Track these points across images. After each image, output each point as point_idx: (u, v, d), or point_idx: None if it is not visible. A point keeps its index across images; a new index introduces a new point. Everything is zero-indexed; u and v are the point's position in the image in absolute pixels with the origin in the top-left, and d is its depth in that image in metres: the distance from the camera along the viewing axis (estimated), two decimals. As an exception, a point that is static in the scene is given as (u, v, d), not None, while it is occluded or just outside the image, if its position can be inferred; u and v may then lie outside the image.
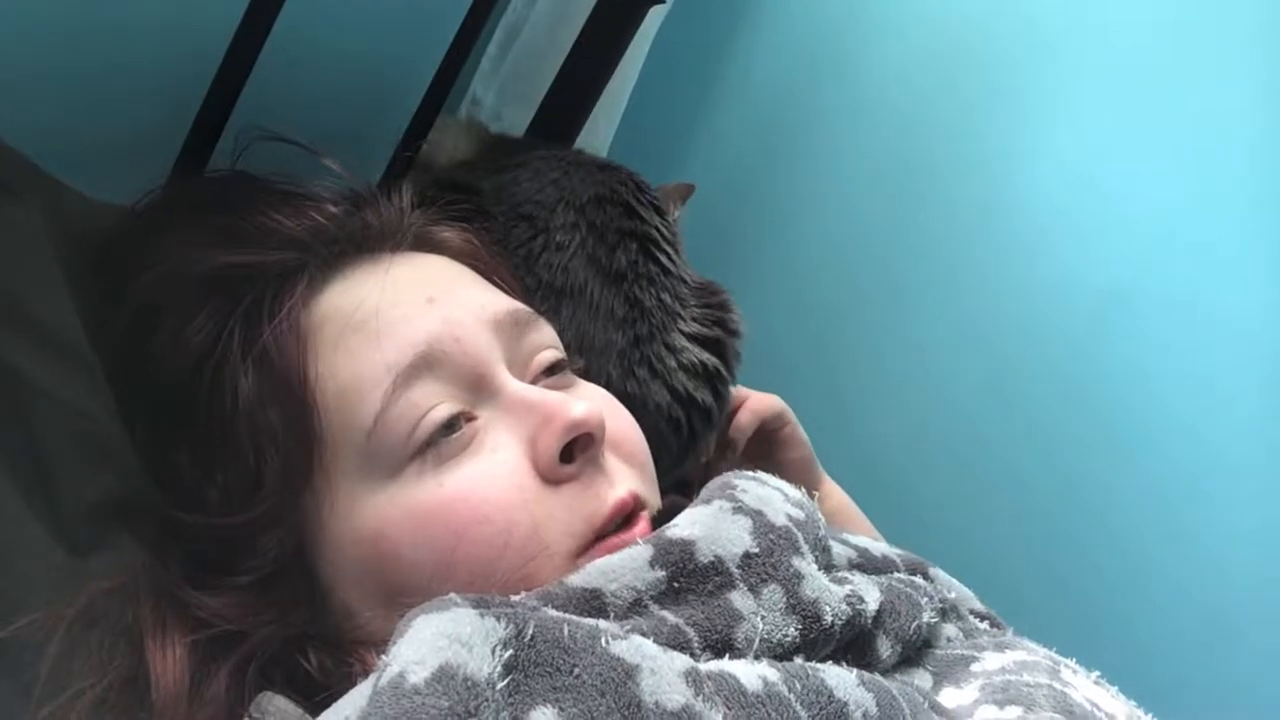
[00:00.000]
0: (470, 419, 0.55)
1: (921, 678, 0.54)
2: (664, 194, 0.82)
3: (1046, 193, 1.08)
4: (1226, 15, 0.99)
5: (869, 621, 0.52)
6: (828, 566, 0.54)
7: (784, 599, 0.49)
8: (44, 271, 0.61)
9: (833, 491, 0.87)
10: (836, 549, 0.58)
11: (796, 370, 1.15)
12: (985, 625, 0.63)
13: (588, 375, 0.67)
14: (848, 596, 0.51)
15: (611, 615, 0.47)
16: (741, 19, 1.25)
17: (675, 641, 0.46)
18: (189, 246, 0.61)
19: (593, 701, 0.39)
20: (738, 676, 0.43)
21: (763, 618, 0.48)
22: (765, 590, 0.49)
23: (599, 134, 1.03)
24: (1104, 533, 1.05)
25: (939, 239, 1.14)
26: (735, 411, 0.82)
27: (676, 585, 0.48)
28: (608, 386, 0.67)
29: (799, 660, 0.47)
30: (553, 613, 0.44)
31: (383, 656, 0.40)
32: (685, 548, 0.49)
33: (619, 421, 0.61)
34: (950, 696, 0.51)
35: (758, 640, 0.47)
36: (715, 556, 0.49)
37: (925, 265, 1.15)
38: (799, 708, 0.43)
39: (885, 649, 0.53)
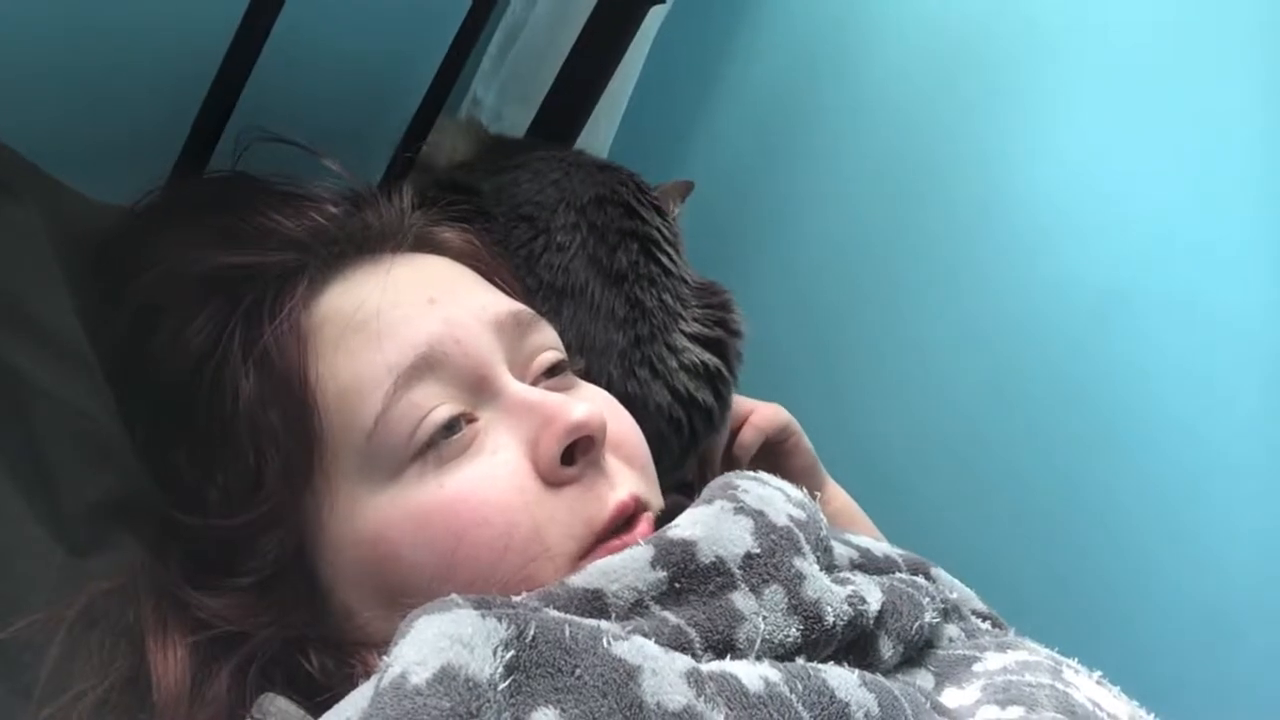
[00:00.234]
0: (471, 420, 0.55)
1: (923, 678, 0.54)
2: (664, 192, 0.82)
3: (1046, 193, 1.08)
4: (1226, 15, 0.99)
5: (871, 622, 0.52)
6: (829, 567, 0.55)
7: (786, 599, 0.49)
8: (44, 271, 0.61)
9: (836, 494, 0.87)
10: (838, 549, 0.58)
11: (796, 370, 1.15)
12: (987, 625, 0.63)
13: (588, 376, 0.67)
14: (849, 597, 0.51)
15: (613, 616, 0.47)
16: (741, 19, 1.25)
17: (677, 642, 0.46)
18: (189, 247, 0.61)
19: (594, 702, 0.39)
20: (739, 677, 0.43)
21: (764, 618, 0.48)
22: (767, 591, 0.49)
23: (599, 134, 1.03)
24: (1104, 533, 1.05)
25: (939, 239, 1.14)
26: (740, 427, 0.81)
27: (678, 586, 0.48)
28: (608, 387, 0.67)
29: (801, 661, 0.47)
30: (554, 613, 0.44)
31: (384, 657, 0.40)
32: (687, 548, 0.49)
33: (620, 423, 0.61)
34: (952, 696, 0.51)
35: (759, 641, 0.47)
36: (717, 557, 0.49)
37: (925, 265, 1.15)
38: (801, 708, 0.42)
39: (887, 649, 0.53)
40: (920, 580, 0.59)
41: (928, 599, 0.56)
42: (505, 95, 1.00)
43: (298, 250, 0.60)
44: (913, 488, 1.13)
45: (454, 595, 0.43)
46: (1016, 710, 0.48)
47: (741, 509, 0.52)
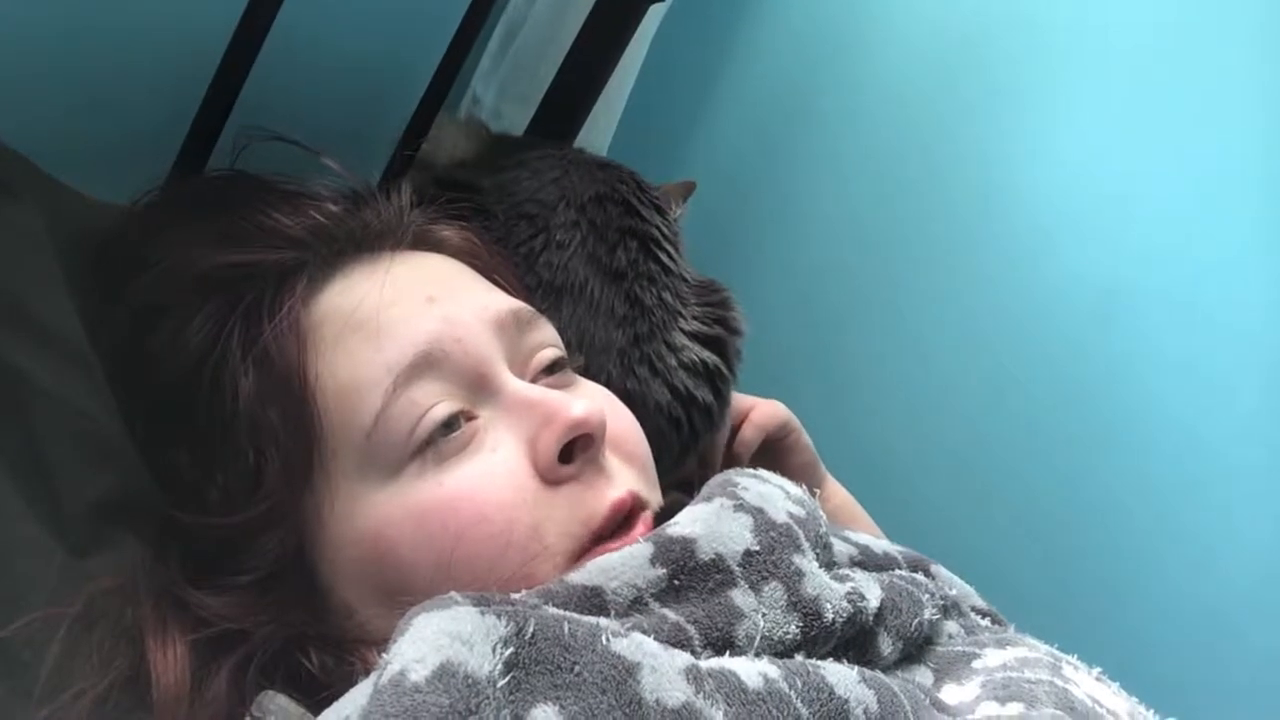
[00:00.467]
0: (470, 418, 0.55)
1: (923, 674, 0.54)
2: (665, 193, 0.82)
3: (1046, 193, 1.08)
4: (1226, 15, 0.99)
5: (870, 619, 0.52)
6: (829, 564, 0.55)
7: (785, 596, 0.49)
8: (44, 271, 0.61)
9: (836, 491, 0.87)
10: (838, 546, 0.58)
11: (796, 369, 1.15)
12: (986, 622, 0.63)
13: (588, 374, 0.67)
14: (849, 594, 0.51)
15: (612, 613, 0.47)
16: (741, 18, 1.25)
17: (676, 639, 0.46)
18: (188, 246, 0.61)
19: (594, 699, 0.39)
20: (738, 674, 0.43)
21: (764, 615, 0.48)
22: (766, 587, 0.49)
23: (599, 133, 1.03)
24: (1104, 531, 1.05)
25: (939, 238, 1.14)
26: (740, 425, 0.81)
27: (677, 583, 0.48)
28: (608, 385, 0.67)
29: (800, 657, 0.47)
30: (553, 610, 0.44)
31: (383, 655, 0.40)
32: (686, 545, 0.49)
33: (619, 420, 0.61)
34: (952, 693, 0.51)
35: (759, 637, 0.47)
36: (716, 554, 0.49)
37: (925, 264, 1.15)
38: (800, 705, 0.42)
39: (886, 646, 0.53)
40: (920, 577, 0.59)
41: (927, 596, 0.56)
42: (505, 93, 1.00)
43: (297, 249, 0.60)
44: (913, 486, 1.13)
45: (453, 593, 0.43)
46: (1016, 706, 0.48)
47: (741, 506, 0.52)
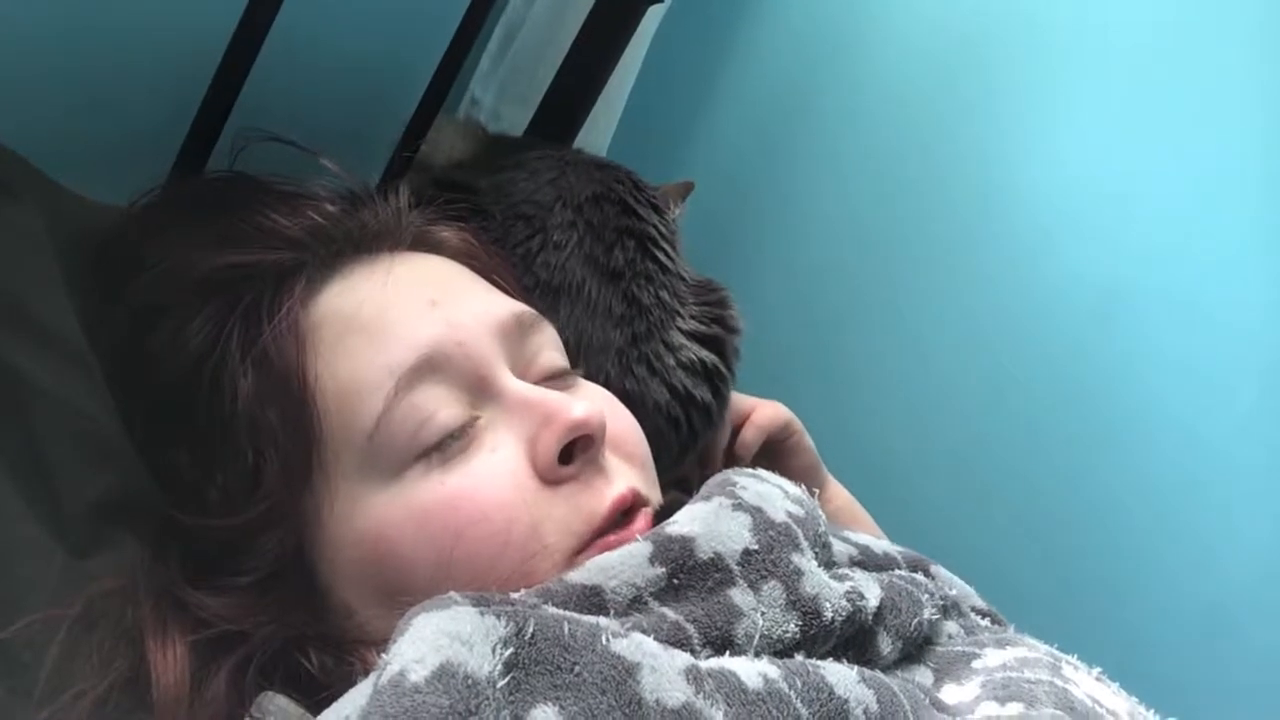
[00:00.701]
0: (472, 420, 0.55)
1: (923, 674, 0.54)
2: (664, 193, 0.82)
3: (1046, 193, 1.08)
4: (1226, 15, 0.99)
5: (869, 618, 0.52)
6: (828, 563, 0.55)
7: (784, 595, 0.49)
8: (44, 271, 0.61)
9: (837, 492, 0.87)
10: (837, 546, 0.58)
11: (796, 369, 1.15)
12: (986, 622, 0.63)
13: (586, 374, 0.67)
14: (848, 593, 0.51)
15: (612, 612, 0.47)
16: (741, 18, 1.25)
17: (675, 638, 0.46)
18: (187, 247, 0.61)
19: (593, 699, 0.39)
20: (738, 674, 0.43)
21: (763, 614, 0.48)
22: (765, 587, 0.49)
23: (598, 133, 1.03)
24: (1104, 531, 1.05)
25: (939, 238, 1.14)
26: (741, 426, 0.81)
27: (676, 582, 0.48)
28: (606, 385, 0.67)
29: (799, 657, 0.47)
30: (553, 610, 0.44)
31: (383, 655, 0.40)
32: (685, 544, 0.49)
33: (619, 421, 0.61)
34: (951, 693, 0.51)
35: (758, 637, 0.47)
36: (715, 553, 0.49)
37: (925, 264, 1.15)
38: (799, 705, 0.42)
39: (886, 646, 0.53)
40: (919, 577, 0.59)
41: (927, 596, 0.56)
42: (504, 95, 1.00)
43: (295, 249, 0.60)
44: (913, 486, 1.13)
45: (452, 593, 0.43)
46: (1016, 706, 0.48)
47: (740, 505, 0.52)
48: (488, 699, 0.37)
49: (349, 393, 0.55)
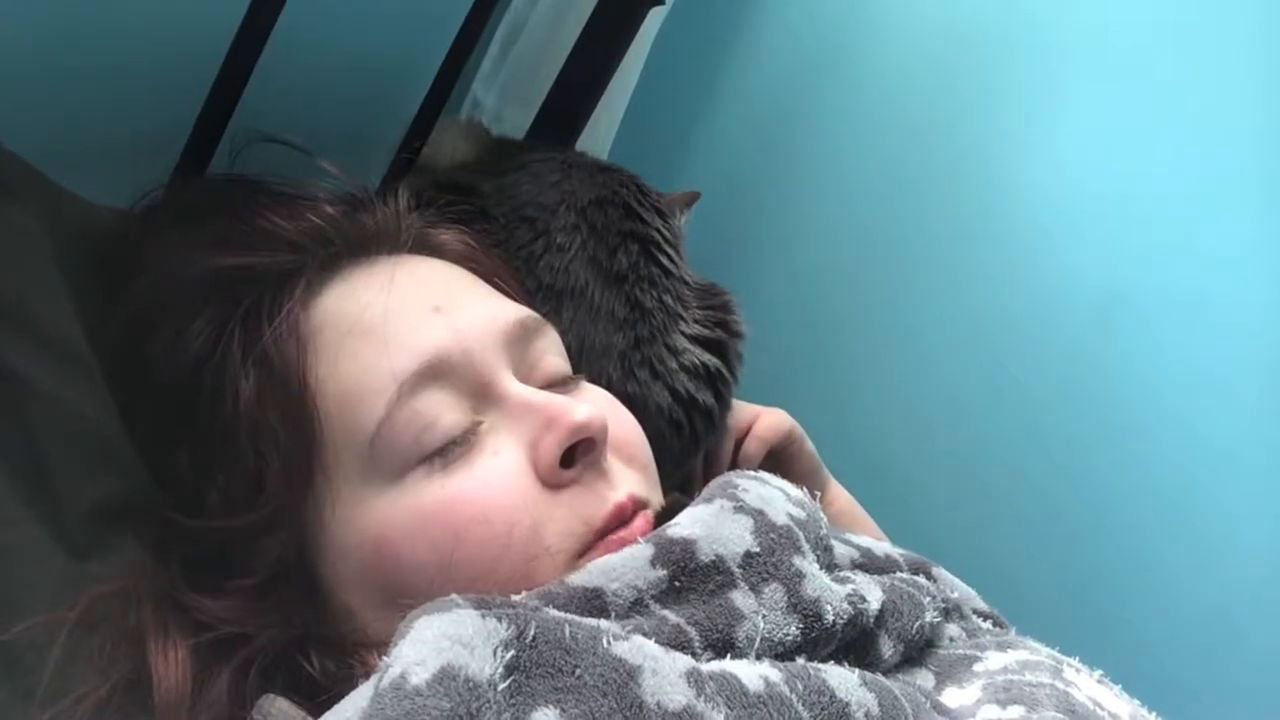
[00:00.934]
0: (475, 425, 0.55)
1: (924, 677, 0.54)
2: (669, 202, 0.82)
3: (1046, 193, 1.08)
4: (1226, 15, 0.99)
5: (871, 621, 0.52)
6: (830, 566, 0.54)
7: (785, 598, 0.49)
8: (44, 272, 0.61)
9: (839, 495, 0.87)
10: (839, 549, 0.58)
11: (797, 371, 1.15)
12: (988, 625, 0.63)
13: (588, 377, 0.67)
14: (849, 596, 0.51)
15: (613, 615, 0.47)
16: (742, 19, 1.25)
17: (676, 641, 0.46)
18: (187, 249, 0.61)
19: (595, 702, 0.39)
20: (739, 677, 0.43)
21: (764, 617, 0.48)
22: (766, 589, 0.49)
23: (600, 135, 1.03)
24: (1105, 532, 1.05)
25: (939, 238, 1.14)
26: (744, 437, 0.81)
27: (678, 584, 0.48)
28: (608, 388, 0.67)
29: (801, 660, 0.47)
30: (554, 613, 0.44)
31: (384, 658, 0.40)
32: (686, 547, 0.49)
33: (621, 424, 0.61)
34: (953, 696, 0.51)
35: (759, 640, 0.47)
36: (716, 555, 0.49)
37: (925, 265, 1.15)
38: (801, 708, 0.42)
39: (887, 649, 0.53)
40: (921, 580, 0.59)
41: (928, 598, 0.56)
42: (506, 97, 1.00)
43: (293, 251, 0.60)
44: (914, 487, 1.13)
45: (454, 595, 0.43)
46: (1017, 709, 0.48)
47: (741, 508, 0.52)
48: (489, 702, 0.37)
49: (351, 396, 0.55)
